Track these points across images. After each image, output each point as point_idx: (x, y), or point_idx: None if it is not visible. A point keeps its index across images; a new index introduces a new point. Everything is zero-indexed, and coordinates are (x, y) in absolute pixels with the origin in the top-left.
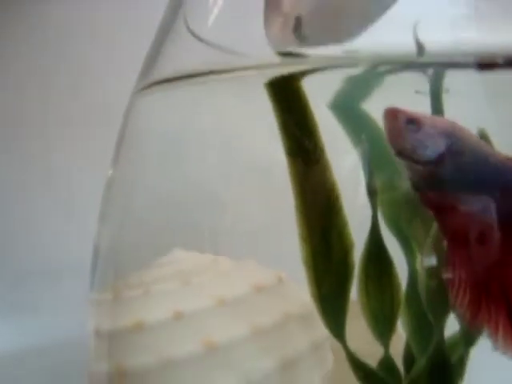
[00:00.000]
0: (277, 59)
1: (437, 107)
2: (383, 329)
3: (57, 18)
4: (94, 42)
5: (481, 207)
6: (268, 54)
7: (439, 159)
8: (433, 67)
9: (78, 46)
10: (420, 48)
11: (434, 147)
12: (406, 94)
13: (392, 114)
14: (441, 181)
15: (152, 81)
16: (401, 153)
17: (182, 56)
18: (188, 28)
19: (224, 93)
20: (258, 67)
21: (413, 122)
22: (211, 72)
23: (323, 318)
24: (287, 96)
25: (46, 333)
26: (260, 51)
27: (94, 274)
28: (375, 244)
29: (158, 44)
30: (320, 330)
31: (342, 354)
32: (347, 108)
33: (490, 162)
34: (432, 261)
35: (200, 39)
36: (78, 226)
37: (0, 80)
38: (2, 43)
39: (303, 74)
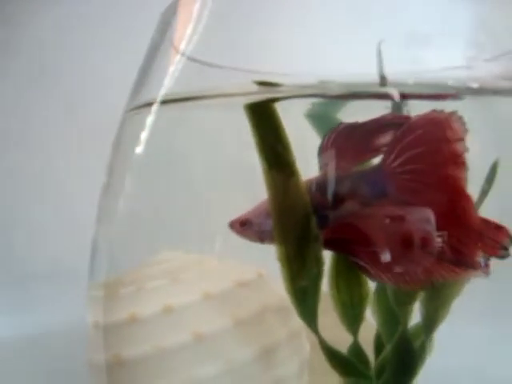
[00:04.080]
0: (254, 87)
1: None
2: (352, 318)
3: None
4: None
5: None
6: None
7: None
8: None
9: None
10: (382, 79)
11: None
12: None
13: (233, 227)
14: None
15: (141, 103)
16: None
17: (168, 79)
18: (174, 48)
19: (208, 112)
20: (236, 95)
21: (242, 222)
22: (194, 98)
23: (297, 309)
24: (263, 117)
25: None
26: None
27: (92, 274)
28: None
29: (147, 65)
30: (296, 320)
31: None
32: (323, 116)
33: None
34: None
35: (188, 57)
36: (74, 229)
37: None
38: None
39: (277, 100)
